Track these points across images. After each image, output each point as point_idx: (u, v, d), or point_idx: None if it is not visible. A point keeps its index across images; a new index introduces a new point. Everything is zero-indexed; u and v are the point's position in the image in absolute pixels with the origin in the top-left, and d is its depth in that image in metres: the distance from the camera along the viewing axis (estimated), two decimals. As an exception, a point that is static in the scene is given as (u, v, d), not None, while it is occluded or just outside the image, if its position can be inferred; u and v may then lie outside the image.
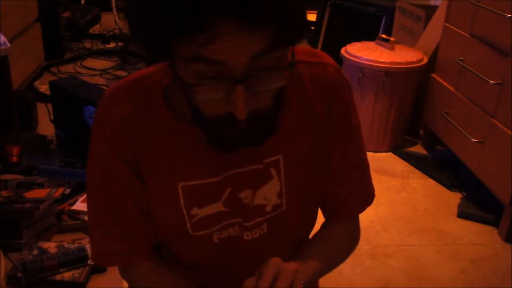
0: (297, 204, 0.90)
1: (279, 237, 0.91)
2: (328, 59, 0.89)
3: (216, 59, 0.63)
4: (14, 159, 2.21)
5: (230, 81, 0.65)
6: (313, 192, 0.92)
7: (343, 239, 0.98)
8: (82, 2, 4.50)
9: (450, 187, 2.53)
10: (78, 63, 3.72)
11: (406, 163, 2.74)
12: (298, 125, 0.86)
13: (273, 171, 0.85)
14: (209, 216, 0.86)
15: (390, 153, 2.84)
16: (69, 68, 3.64)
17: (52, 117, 2.50)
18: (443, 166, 2.68)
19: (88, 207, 0.89)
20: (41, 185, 1.99)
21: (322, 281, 1.05)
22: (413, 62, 2.70)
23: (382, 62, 2.67)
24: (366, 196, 0.97)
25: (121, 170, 0.83)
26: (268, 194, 0.87)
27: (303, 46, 0.86)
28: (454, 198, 2.45)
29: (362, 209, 0.96)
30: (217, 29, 0.60)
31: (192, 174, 0.83)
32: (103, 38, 4.13)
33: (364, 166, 0.95)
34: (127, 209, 0.86)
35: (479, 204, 2.37)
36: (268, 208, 0.87)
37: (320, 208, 0.98)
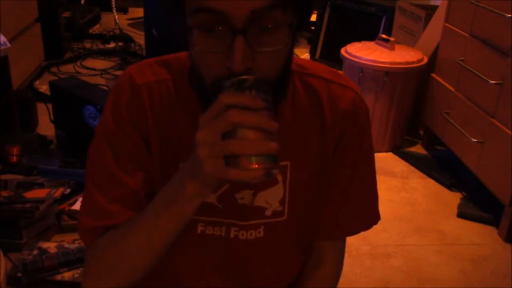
0: (299, 217, 0.89)
1: (274, 245, 0.90)
2: (350, 82, 0.88)
3: (217, 8, 0.66)
4: (14, 159, 2.21)
5: (230, 34, 0.67)
6: (315, 209, 0.91)
7: (330, 275, 0.97)
8: (82, 2, 4.50)
9: (450, 187, 2.53)
10: (78, 63, 3.72)
11: (406, 163, 2.74)
12: (310, 137, 0.85)
13: (279, 177, 0.85)
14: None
15: (390, 153, 2.84)
16: (69, 68, 3.64)
17: (52, 117, 2.50)
18: (443, 166, 2.68)
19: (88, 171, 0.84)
20: (41, 185, 1.99)
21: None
22: (413, 62, 2.70)
23: (382, 62, 2.66)
24: (365, 221, 0.95)
25: (134, 137, 0.81)
26: (270, 199, 0.86)
27: (325, 66, 0.89)
28: (454, 198, 2.45)
29: (357, 232, 0.95)
30: None
31: None
32: (103, 38, 4.13)
33: (369, 192, 0.94)
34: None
35: (479, 204, 2.37)
36: (268, 213, 0.87)
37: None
